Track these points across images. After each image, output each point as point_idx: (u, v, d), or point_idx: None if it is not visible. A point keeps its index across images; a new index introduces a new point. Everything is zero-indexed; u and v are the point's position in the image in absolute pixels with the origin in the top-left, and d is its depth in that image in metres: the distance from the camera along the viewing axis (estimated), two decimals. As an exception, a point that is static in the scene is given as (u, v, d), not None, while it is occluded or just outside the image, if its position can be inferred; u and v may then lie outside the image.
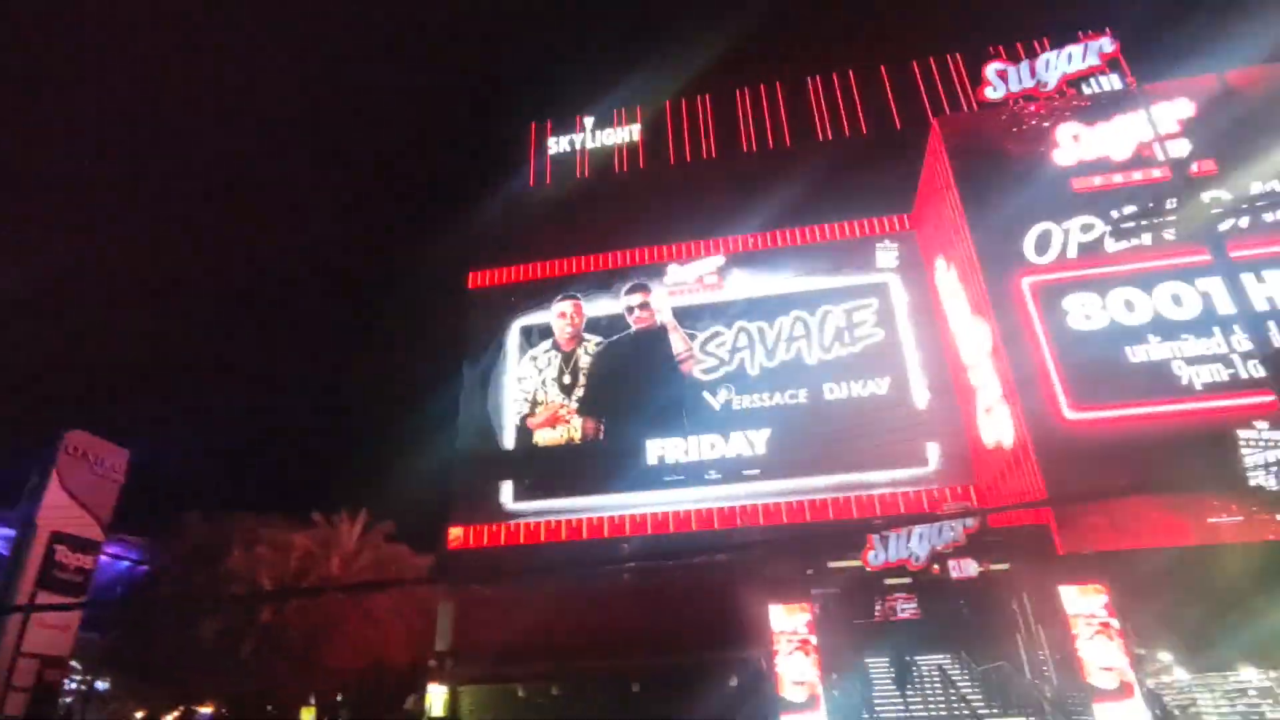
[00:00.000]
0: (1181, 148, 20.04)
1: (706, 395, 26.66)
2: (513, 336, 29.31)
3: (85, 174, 76.48)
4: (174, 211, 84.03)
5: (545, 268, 30.44)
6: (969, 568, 19.06)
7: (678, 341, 27.69)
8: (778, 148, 32.07)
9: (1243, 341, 17.65)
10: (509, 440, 27.59)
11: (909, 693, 18.26)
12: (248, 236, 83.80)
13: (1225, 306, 17.97)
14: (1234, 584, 16.31)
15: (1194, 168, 19.26)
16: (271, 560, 24.42)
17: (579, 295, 29.33)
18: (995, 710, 17.25)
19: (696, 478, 25.44)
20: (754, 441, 25.59)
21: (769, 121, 32.71)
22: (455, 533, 26.14)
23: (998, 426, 20.84)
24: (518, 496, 26.45)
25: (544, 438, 27.30)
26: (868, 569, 18.47)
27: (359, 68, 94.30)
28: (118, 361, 66.71)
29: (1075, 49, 23.33)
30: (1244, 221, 17.44)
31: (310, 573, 24.79)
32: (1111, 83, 25.50)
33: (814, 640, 17.39)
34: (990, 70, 23.75)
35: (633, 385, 27.29)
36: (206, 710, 28.91)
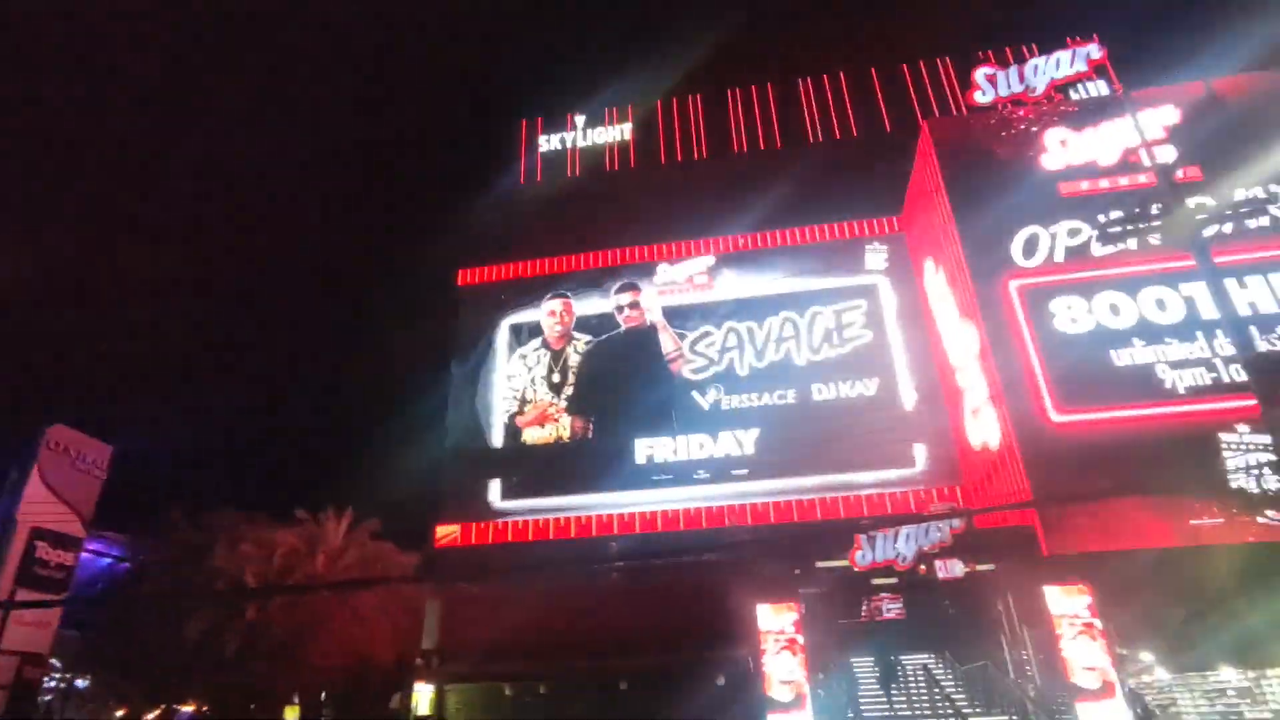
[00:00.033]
0: (1167, 154, 20.21)
1: (696, 395, 26.71)
2: (502, 334, 29.22)
3: (73, 169, 75.59)
4: (160, 206, 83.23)
5: (535, 266, 30.37)
6: (955, 568, 19.25)
7: (667, 341, 27.71)
8: (768, 148, 32.18)
9: (1225, 346, 17.84)
10: (497, 438, 27.52)
11: (894, 692, 18.39)
12: (233, 232, 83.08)
13: (1209, 311, 18.14)
14: (1215, 585, 16.53)
15: (1179, 174, 19.42)
16: (256, 557, 24.13)
17: (569, 294, 29.28)
18: (979, 709, 17.39)
19: (685, 477, 25.48)
20: (743, 441, 25.66)
21: (760, 122, 32.80)
22: (443, 531, 26.09)
23: (984, 428, 20.98)
24: (506, 495, 26.40)
25: (533, 436, 27.25)
26: (855, 569, 18.56)
27: (350, 67, 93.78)
28: (101, 357, 66.03)
29: (1063, 55, 23.51)
30: (1228, 227, 17.78)
31: (295, 570, 24.50)
32: (1099, 89, 25.88)
33: (801, 640, 17.45)
34: (979, 75, 23.93)
35: (622, 384, 27.29)
36: (188, 709, 28.57)
